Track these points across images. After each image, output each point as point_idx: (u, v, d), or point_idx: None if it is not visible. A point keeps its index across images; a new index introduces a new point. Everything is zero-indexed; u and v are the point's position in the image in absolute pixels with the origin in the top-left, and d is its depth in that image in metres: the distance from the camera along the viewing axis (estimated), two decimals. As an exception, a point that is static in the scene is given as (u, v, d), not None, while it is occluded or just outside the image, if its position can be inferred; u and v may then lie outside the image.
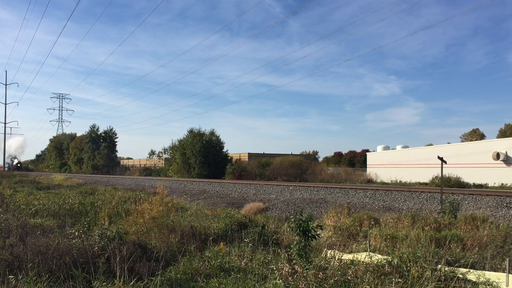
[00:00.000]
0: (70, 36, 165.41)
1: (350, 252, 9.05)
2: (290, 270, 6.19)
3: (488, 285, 6.08)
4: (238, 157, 56.52)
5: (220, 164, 50.07)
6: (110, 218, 13.57)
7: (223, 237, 10.09)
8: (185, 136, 53.31)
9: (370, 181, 42.89)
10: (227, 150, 54.09)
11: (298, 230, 7.22)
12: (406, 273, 6.01)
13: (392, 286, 5.62)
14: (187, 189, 33.41)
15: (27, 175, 67.22)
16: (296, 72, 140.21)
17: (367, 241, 9.93)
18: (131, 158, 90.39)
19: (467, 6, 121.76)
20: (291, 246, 7.37)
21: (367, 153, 56.30)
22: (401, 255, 6.75)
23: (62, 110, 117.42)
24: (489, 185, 33.08)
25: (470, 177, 33.80)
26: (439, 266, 6.31)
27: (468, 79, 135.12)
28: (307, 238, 7.17)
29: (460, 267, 6.82)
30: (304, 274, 5.98)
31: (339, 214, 15.12)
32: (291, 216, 7.62)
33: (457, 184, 30.02)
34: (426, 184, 33.84)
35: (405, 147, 49.52)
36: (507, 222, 13.77)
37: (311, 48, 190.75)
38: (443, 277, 5.89)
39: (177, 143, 54.45)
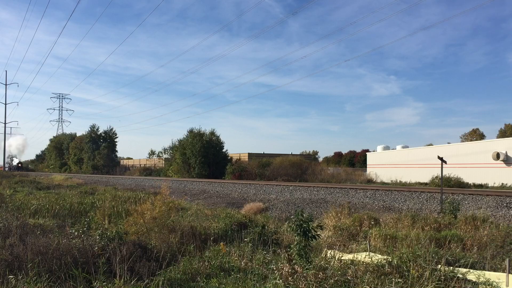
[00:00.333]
0: (70, 36, 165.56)
1: (350, 252, 9.05)
2: (290, 270, 6.19)
3: (488, 285, 6.08)
4: (238, 157, 56.51)
5: (220, 164, 50.06)
6: (110, 218, 13.56)
7: (223, 237, 10.10)
8: (185, 136, 53.35)
9: (370, 181, 42.88)
10: (227, 150, 54.17)
11: (298, 230, 7.22)
12: (406, 273, 6.01)
13: (392, 286, 5.62)
14: (187, 189, 33.40)
15: (27, 175, 67.21)
16: (296, 72, 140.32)
17: (367, 241, 9.93)
18: (131, 158, 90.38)
19: (467, 6, 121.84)
20: (291, 246, 7.37)
21: (367, 153, 56.30)
22: (401, 255, 6.75)
23: (62, 110, 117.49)
24: (489, 185, 33.06)
25: (470, 177, 33.78)
26: (439, 266, 6.31)
27: (467, 79, 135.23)
28: (307, 238, 7.17)
29: (460, 267, 6.82)
30: (304, 274, 5.98)
31: (339, 214, 15.12)
32: (292, 216, 7.62)
33: (457, 184, 30.00)
34: (426, 184, 33.82)
35: (405, 147, 49.51)
36: (507, 222, 13.77)
37: (310, 48, 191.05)
38: (443, 277, 5.89)
39: (177, 143, 54.50)
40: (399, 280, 5.78)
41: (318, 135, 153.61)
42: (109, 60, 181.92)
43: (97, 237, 7.99)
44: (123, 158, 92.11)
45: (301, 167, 45.27)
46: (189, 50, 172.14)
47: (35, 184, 35.87)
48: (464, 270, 6.52)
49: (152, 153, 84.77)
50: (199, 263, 7.37)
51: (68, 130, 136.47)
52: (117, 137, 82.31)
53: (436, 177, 30.55)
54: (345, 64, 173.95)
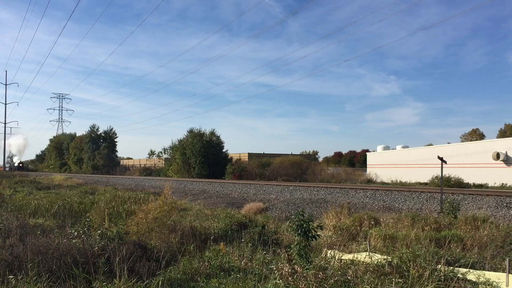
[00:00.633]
0: (70, 36, 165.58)
1: (350, 252, 9.05)
2: (290, 270, 6.19)
3: (488, 285, 6.08)
4: (238, 157, 56.50)
5: (220, 164, 50.05)
6: (110, 218, 13.55)
7: (223, 237, 10.09)
8: (185, 136, 53.34)
9: (370, 181, 42.87)
10: (227, 150, 54.15)
11: (298, 230, 7.22)
12: (406, 273, 6.01)
13: (392, 286, 5.62)
14: (187, 189, 33.40)
15: (27, 175, 67.22)
16: (296, 72, 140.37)
17: (367, 241, 9.93)
18: (131, 158, 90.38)
19: (467, 6, 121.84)
20: (291, 246, 7.37)
21: (367, 153, 56.30)
22: (401, 255, 6.74)
23: (62, 110, 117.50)
24: (489, 185, 33.06)
25: (470, 177, 33.77)
26: (439, 266, 6.30)
27: (467, 79, 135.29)
28: (308, 238, 7.18)
29: (460, 267, 6.82)
30: (304, 274, 5.98)
31: (339, 214, 15.12)
32: (292, 216, 7.62)
33: (457, 184, 30.00)
34: (426, 184, 33.82)
35: (405, 147, 49.50)
36: (507, 222, 13.77)
37: (310, 48, 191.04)
38: (443, 277, 5.89)
39: (177, 143, 54.48)
40: (399, 280, 5.78)
41: (318, 135, 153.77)
42: (109, 60, 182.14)
43: (97, 237, 7.99)
44: (123, 158, 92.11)
45: (301, 167, 45.26)
46: (189, 50, 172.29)
47: (35, 184, 35.86)
48: (464, 270, 6.52)
49: (152, 153, 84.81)
50: (199, 263, 7.37)
51: (68, 130, 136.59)
52: (117, 137, 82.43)
53: (436, 177, 30.54)
54: (345, 64, 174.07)
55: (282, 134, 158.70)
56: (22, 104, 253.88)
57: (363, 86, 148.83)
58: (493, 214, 14.95)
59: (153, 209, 10.20)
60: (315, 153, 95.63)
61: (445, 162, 17.02)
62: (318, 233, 7.59)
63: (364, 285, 5.68)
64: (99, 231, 8.35)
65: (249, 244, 8.85)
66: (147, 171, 64.21)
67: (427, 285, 5.65)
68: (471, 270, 6.60)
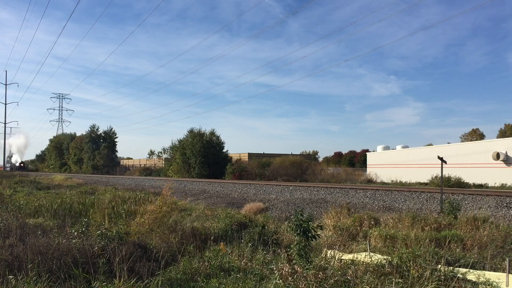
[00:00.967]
0: (70, 36, 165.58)
1: (350, 252, 9.05)
2: (290, 270, 6.19)
3: (488, 285, 6.08)
4: (238, 157, 56.50)
5: (220, 164, 50.05)
6: (110, 218, 13.55)
7: (223, 237, 10.09)
8: (185, 136, 53.34)
9: (370, 181, 42.86)
10: (227, 150, 54.16)
11: (298, 230, 7.22)
12: (406, 273, 6.01)
13: (392, 286, 5.62)
14: (187, 189, 33.40)
15: (27, 175, 67.22)
16: (296, 72, 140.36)
17: (367, 241, 9.93)
18: (131, 158, 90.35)
19: (467, 6, 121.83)
20: (291, 246, 7.37)
21: (367, 153, 56.29)
22: (401, 255, 6.75)
23: (62, 110, 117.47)
24: (489, 185, 33.05)
25: (470, 177, 33.77)
26: (439, 266, 6.30)
27: (467, 79, 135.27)
28: (307, 238, 7.17)
29: (460, 267, 6.82)
30: (304, 274, 5.98)
31: (339, 214, 15.12)
32: (292, 216, 7.62)
33: (457, 184, 29.99)
34: (426, 184, 33.82)
35: (405, 147, 49.49)
36: (507, 222, 13.77)
37: (310, 48, 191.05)
38: (443, 277, 5.89)
39: (177, 143, 54.49)
40: (399, 280, 5.78)
41: (318, 135, 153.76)
42: (109, 60, 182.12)
43: (97, 237, 7.99)
44: (123, 158, 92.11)
45: (301, 167, 45.26)
46: (189, 50, 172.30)
47: (35, 184, 35.87)
48: (464, 270, 6.52)
49: (152, 153, 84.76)
50: (199, 263, 7.37)
51: (68, 130, 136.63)
52: (117, 137, 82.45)
53: (436, 177, 30.54)
54: (345, 64, 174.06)
55: (282, 134, 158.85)
56: (22, 104, 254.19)
57: (363, 86, 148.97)
58: (493, 214, 14.95)
59: (151, 210, 10.21)
60: (315, 153, 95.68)
61: (445, 162, 17.02)
62: (318, 233, 7.59)
63: (364, 285, 5.68)
64: (98, 231, 8.35)
65: (249, 244, 8.85)
66: (147, 171, 64.20)
67: (427, 285, 5.64)
68: (471, 270, 6.60)
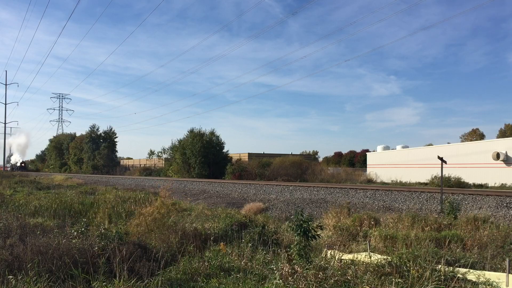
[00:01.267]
0: (70, 36, 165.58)
1: (350, 252, 9.05)
2: (290, 270, 6.18)
3: (488, 285, 6.07)
4: (238, 157, 56.49)
5: (220, 164, 50.04)
6: (110, 218, 13.56)
7: (223, 237, 10.09)
8: (185, 136, 53.33)
9: (370, 181, 42.86)
10: (227, 150, 54.14)
11: (298, 230, 7.22)
12: (406, 273, 6.00)
13: (392, 286, 5.62)
14: (187, 189, 33.39)
15: (27, 175, 67.22)
16: (296, 72, 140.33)
17: (367, 241, 9.93)
18: (131, 158, 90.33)
19: (467, 6, 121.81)
20: (291, 246, 7.37)
21: (367, 153, 56.28)
22: (401, 255, 6.74)
23: (62, 110, 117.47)
24: (489, 185, 33.05)
25: (470, 177, 33.77)
26: (439, 266, 6.30)
27: (467, 79, 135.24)
28: (307, 238, 7.17)
29: (460, 267, 6.82)
30: (304, 274, 5.97)
31: (339, 214, 15.12)
32: (292, 216, 7.62)
33: (457, 184, 30.00)
34: (426, 184, 33.82)
35: (405, 147, 49.48)
36: (507, 222, 13.77)
37: (310, 48, 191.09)
38: (443, 277, 5.88)
39: (177, 143, 54.49)
40: (399, 280, 5.77)
41: (318, 135, 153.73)
42: (109, 60, 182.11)
43: (97, 237, 7.99)
44: (123, 158, 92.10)
45: (301, 167, 45.24)
46: (189, 50, 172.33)
47: (35, 184, 35.88)
48: (464, 270, 6.52)
49: (151, 153, 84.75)
50: (199, 263, 7.37)
51: (68, 130, 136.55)
52: (117, 137, 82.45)
53: (436, 177, 30.56)
54: (345, 64, 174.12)
55: (282, 134, 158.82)
56: (22, 104, 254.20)
57: (363, 86, 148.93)
58: (493, 214, 14.95)
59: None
60: (315, 153, 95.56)
61: (445, 162, 17.02)
62: (318, 233, 7.58)
63: (364, 285, 5.68)
64: (98, 232, 8.35)
65: (249, 244, 8.84)
66: (147, 171, 64.20)
67: (427, 285, 5.64)
68: (471, 270, 6.60)
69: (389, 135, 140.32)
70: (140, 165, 75.78)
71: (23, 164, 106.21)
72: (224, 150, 53.39)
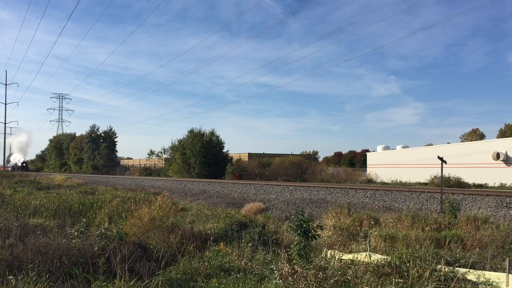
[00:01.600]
0: (70, 36, 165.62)
1: (350, 252, 9.05)
2: (290, 270, 6.18)
3: (488, 285, 6.07)
4: (238, 157, 56.48)
5: (220, 164, 50.04)
6: (110, 218, 13.57)
7: (223, 237, 10.09)
8: (185, 136, 53.29)
9: (370, 181, 42.85)
10: (227, 150, 54.10)
11: (298, 230, 7.22)
12: (406, 273, 6.00)
13: (392, 286, 5.62)
14: (187, 189, 33.39)
15: (27, 175, 67.22)
16: (296, 72, 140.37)
17: (367, 241, 9.93)
18: (131, 158, 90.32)
19: (467, 6, 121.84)
20: (291, 246, 7.37)
21: (367, 153, 56.28)
22: (401, 255, 6.74)
23: (62, 110, 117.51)
24: (489, 185, 33.05)
25: (470, 177, 33.77)
26: (439, 266, 6.30)
27: (467, 79, 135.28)
28: (308, 238, 7.17)
29: (460, 267, 6.82)
30: (304, 274, 5.97)
31: (339, 214, 15.11)
32: (292, 216, 7.62)
33: (457, 184, 29.99)
34: (426, 184, 33.81)
35: (405, 147, 49.48)
36: (507, 222, 13.77)
37: (310, 48, 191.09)
38: (443, 277, 5.88)
39: (177, 143, 54.47)
40: (399, 280, 5.77)
41: (318, 135, 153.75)
42: (109, 60, 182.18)
43: (97, 237, 7.99)
44: (123, 158, 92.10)
45: (301, 167, 45.23)
46: (189, 50, 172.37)
47: (35, 184, 35.88)
48: (464, 270, 6.52)
49: (151, 153, 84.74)
50: (199, 263, 7.37)
51: (68, 130, 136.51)
52: (117, 137, 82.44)
53: (436, 177, 30.54)
54: (345, 64, 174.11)
55: (282, 134, 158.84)
56: (22, 104, 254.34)
57: (363, 86, 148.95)
58: (493, 214, 14.95)
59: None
60: (315, 153, 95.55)
61: (445, 162, 17.02)
62: (318, 233, 7.58)
63: (364, 285, 5.68)
64: (98, 231, 8.35)
65: (249, 244, 8.85)
66: (147, 171, 64.19)
67: (427, 285, 5.64)
68: (471, 270, 6.60)
69: (389, 135, 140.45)
70: (140, 165, 75.77)
71: (24, 164, 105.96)
72: (224, 150, 53.40)
